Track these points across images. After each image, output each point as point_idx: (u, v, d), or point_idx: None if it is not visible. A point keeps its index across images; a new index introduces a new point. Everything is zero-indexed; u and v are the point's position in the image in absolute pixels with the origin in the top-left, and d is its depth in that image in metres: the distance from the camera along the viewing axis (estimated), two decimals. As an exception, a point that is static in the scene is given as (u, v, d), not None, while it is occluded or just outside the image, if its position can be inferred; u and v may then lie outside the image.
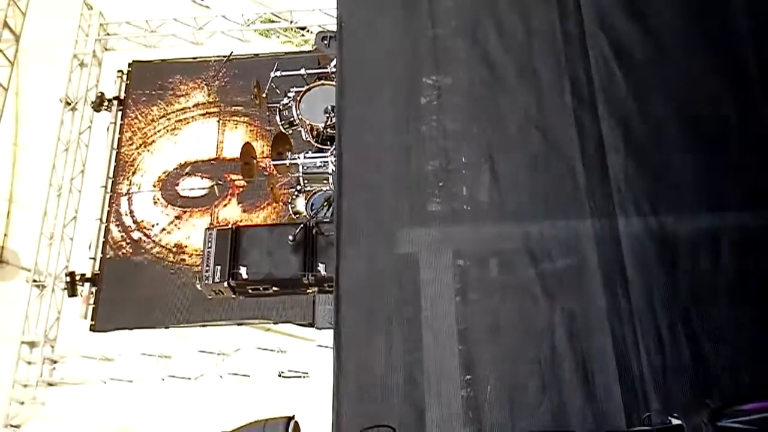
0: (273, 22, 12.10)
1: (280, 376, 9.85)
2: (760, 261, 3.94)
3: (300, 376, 9.84)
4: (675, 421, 2.61)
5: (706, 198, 4.14)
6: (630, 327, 3.85)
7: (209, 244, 8.77)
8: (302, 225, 8.80)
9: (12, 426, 9.69)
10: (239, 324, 10.20)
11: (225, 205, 10.83)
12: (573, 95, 4.35)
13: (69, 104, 11.11)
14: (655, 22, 4.40)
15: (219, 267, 8.66)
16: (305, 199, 9.98)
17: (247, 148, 9.73)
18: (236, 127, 11.36)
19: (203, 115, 11.40)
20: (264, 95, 9.90)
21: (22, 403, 9.75)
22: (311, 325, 9.98)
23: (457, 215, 4.44)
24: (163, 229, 10.68)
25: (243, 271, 8.66)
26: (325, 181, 9.49)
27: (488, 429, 3.82)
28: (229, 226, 9.10)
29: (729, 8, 4.40)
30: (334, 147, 9.24)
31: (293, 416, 2.60)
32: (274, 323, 10.17)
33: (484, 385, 3.92)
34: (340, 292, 4.35)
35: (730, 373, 3.69)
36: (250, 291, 8.86)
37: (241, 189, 10.81)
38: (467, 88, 4.71)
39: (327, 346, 9.91)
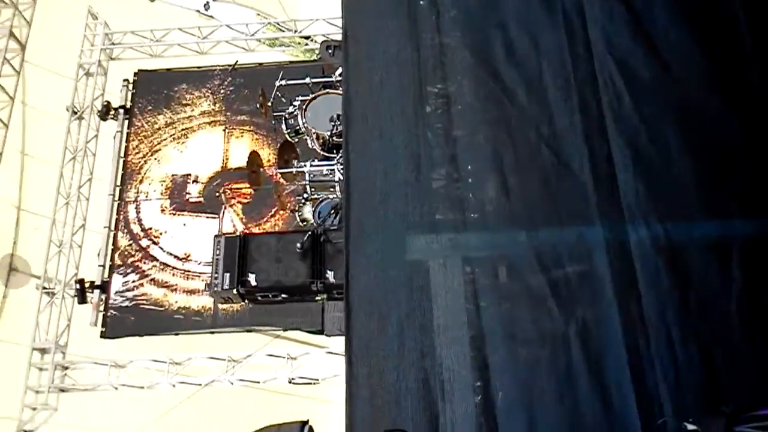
0: (277, 31, 12.18)
1: (290, 382, 9.90)
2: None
3: (310, 383, 9.89)
4: (690, 427, 2.65)
5: (714, 213, 4.22)
6: (643, 338, 3.90)
7: (218, 252, 8.86)
8: (310, 233, 8.89)
9: (25, 431, 9.77)
10: (248, 331, 10.28)
11: (231, 214, 10.88)
12: (582, 115, 4.45)
13: (75, 113, 11.18)
14: (661, 43, 4.47)
15: (228, 274, 8.74)
16: (312, 207, 10.05)
17: (253, 156, 9.83)
18: (242, 136, 11.43)
19: (209, 123, 11.48)
20: (269, 104, 9.99)
21: (35, 408, 9.82)
22: (321, 332, 10.03)
23: (466, 223, 4.50)
24: (172, 237, 10.75)
25: (252, 278, 8.75)
26: (332, 189, 9.57)
27: (503, 435, 3.88)
28: (237, 233, 9.19)
29: (734, 28, 4.48)
30: (340, 155, 9.32)
31: (307, 420, 2.62)
32: (284, 330, 10.22)
33: (496, 392, 3.98)
34: (351, 299, 4.41)
35: (742, 383, 3.73)
36: (259, 298, 8.94)
37: (248, 198, 10.86)
38: (474, 99, 4.78)
39: (337, 353, 9.95)
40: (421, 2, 5.19)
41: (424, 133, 4.79)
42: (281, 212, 10.56)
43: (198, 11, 14.09)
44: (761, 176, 4.20)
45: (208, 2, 14.01)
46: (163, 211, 10.94)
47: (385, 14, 5.35)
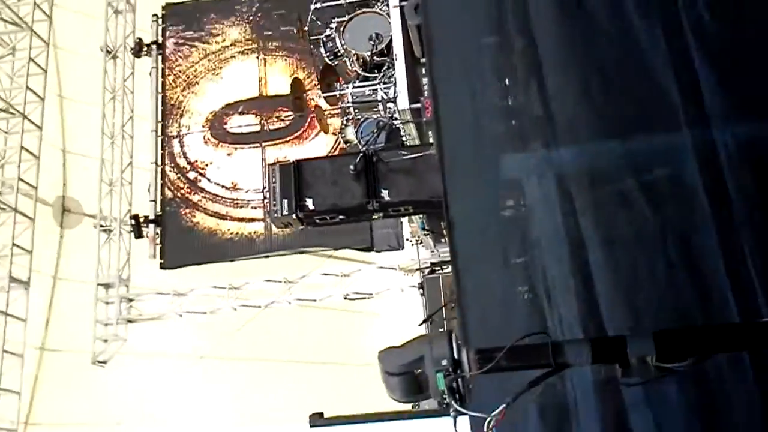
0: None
1: (345, 298, 10.35)
2: None
3: (365, 298, 10.34)
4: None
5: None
6: (735, 236, 4.15)
7: (273, 180, 9.08)
8: (361, 154, 9.11)
9: (99, 362, 10.34)
10: (300, 253, 10.66)
11: (273, 142, 11.09)
12: (664, 27, 4.55)
13: (109, 52, 11.25)
14: None
15: (286, 201, 9.00)
16: (354, 127, 10.22)
17: (296, 82, 9.95)
18: (275, 62, 11.49)
19: (242, 52, 11.53)
20: (305, 28, 10.00)
21: (106, 340, 10.37)
22: (370, 249, 10.42)
23: (556, 137, 4.70)
24: (218, 168, 11.02)
25: (309, 202, 9.04)
26: (375, 109, 9.72)
27: (609, 332, 4.23)
28: (290, 161, 9.42)
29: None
30: (382, 74, 9.44)
31: (452, 330, 2.91)
32: (334, 249, 10.61)
33: (598, 294, 4.31)
34: (451, 218, 4.65)
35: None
36: (317, 221, 9.24)
37: (287, 124, 11.04)
38: (554, 16, 4.90)
39: (387, 268, 10.38)
40: None
41: (509, 48, 4.92)
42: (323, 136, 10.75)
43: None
44: None
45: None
46: (206, 142, 11.15)
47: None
